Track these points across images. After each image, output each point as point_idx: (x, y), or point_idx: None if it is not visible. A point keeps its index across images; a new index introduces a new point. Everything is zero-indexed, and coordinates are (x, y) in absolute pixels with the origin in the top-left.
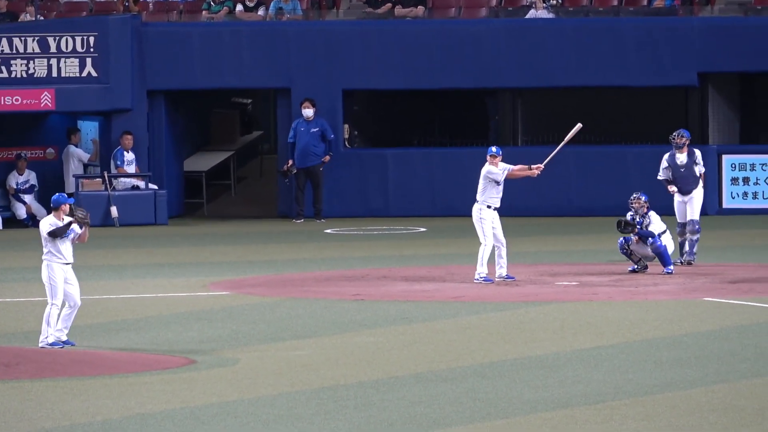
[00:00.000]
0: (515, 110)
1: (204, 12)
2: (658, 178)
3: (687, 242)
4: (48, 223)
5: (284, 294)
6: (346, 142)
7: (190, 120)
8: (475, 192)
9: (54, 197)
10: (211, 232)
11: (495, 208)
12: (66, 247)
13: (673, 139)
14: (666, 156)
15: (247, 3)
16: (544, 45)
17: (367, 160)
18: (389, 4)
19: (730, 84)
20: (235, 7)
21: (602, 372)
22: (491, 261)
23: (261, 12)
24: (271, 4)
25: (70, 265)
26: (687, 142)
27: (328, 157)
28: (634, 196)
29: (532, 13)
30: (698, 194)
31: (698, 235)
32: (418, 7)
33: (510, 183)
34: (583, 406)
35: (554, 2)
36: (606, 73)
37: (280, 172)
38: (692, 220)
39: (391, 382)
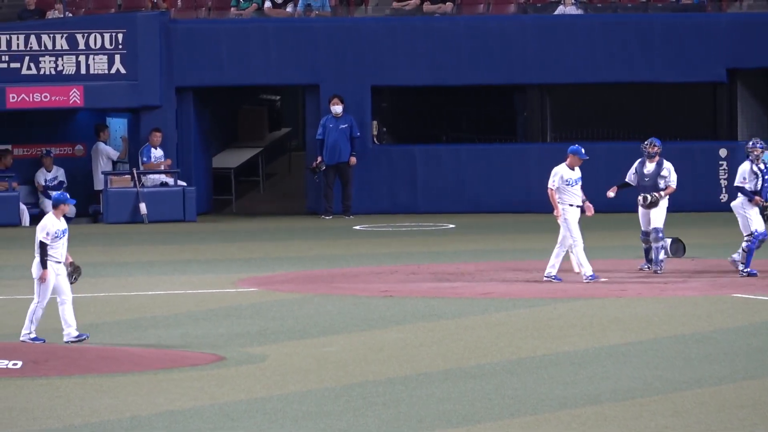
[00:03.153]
0: (543, 106)
1: (232, 9)
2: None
3: (652, 251)
4: (46, 231)
5: (313, 290)
6: (375, 139)
7: (219, 116)
8: (502, 188)
9: (55, 195)
10: (239, 228)
11: (578, 206)
12: (59, 248)
13: (645, 147)
14: (636, 163)
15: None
16: (572, 41)
17: (395, 156)
18: (417, 0)
19: (758, 80)
20: (263, 3)
21: (631, 368)
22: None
23: (289, 8)
24: (300, 0)
25: (61, 263)
26: (659, 151)
27: (354, 159)
28: (752, 143)
29: (560, 9)
30: (661, 207)
31: (661, 243)
32: (447, 3)
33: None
34: (612, 403)
35: None
36: (634, 69)
37: (309, 169)
38: (655, 228)
39: (419, 378)
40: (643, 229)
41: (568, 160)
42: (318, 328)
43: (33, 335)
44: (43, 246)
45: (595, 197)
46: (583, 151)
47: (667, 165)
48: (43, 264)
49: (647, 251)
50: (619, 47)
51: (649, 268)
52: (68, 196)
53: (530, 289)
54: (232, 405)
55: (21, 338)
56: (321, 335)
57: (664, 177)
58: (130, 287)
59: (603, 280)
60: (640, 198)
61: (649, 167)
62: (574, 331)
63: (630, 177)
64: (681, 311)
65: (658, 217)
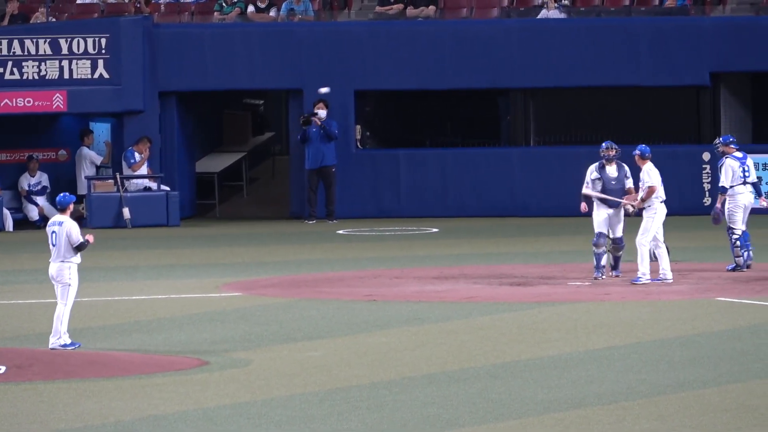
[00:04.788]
0: (527, 110)
1: (216, 13)
2: (584, 191)
3: (612, 258)
4: (77, 231)
5: (297, 295)
6: (359, 143)
7: (202, 121)
8: (486, 192)
9: (59, 198)
10: (223, 233)
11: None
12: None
13: (604, 151)
14: (594, 167)
15: (259, 4)
16: (555, 45)
17: (379, 160)
18: (401, 5)
19: (742, 83)
20: (246, 8)
21: (615, 372)
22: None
23: (272, 13)
24: (283, 5)
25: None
26: (618, 155)
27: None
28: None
29: (543, 13)
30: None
31: (623, 251)
32: (430, 6)
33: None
34: (596, 407)
35: (566, 2)
36: (618, 72)
37: (301, 119)
38: (618, 238)
39: (403, 382)
40: (597, 230)
41: None
42: (302, 333)
43: (62, 341)
44: (84, 245)
45: (579, 201)
46: (602, 147)
47: (626, 166)
48: (86, 243)
49: (600, 257)
50: (603, 51)
51: (602, 276)
52: (69, 194)
53: (514, 293)
54: (217, 409)
55: (51, 345)
56: (305, 339)
57: (629, 178)
58: (114, 292)
59: (587, 283)
60: (630, 209)
61: (611, 171)
62: (558, 335)
63: (589, 186)
64: (665, 315)
65: (620, 226)
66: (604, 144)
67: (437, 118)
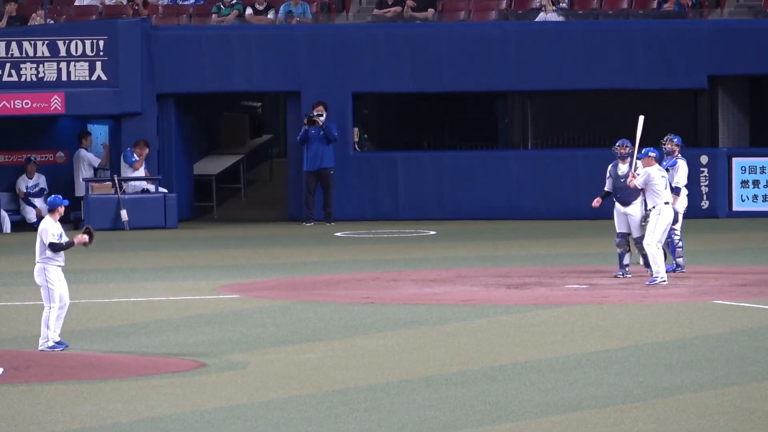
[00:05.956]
0: (525, 113)
1: (213, 15)
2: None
3: (642, 258)
4: (51, 232)
5: (294, 297)
6: (356, 146)
7: (200, 123)
8: (483, 195)
9: (50, 199)
10: (220, 235)
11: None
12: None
13: (616, 149)
14: (609, 166)
15: (257, 6)
16: (553, 48)
17: (376, 163)
18: (398, 7)
19: (739, 87)
20: (244, 10)
21: (612, 375)
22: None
23: (270, 15)
24: (281, 7)
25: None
26: (631, 152)
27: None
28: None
29: (541, 16)
30: (637, 209)
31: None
32: (428, 9)
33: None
34: (594, 409)
35: (564, 5)
36: (615, 76)
37: (306, 117)
38: (638, 238)
39: (401, 385)
40: (618, 230)
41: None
42: (299, 335)
43: (51, 343)
44: (55, 244)
45: (577, 204)
46: (616, 145)
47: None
48: (69, 244)
49: (622, 256)
50: (601, 54)
51: (623, 275)
52: (61, 197)
53: (512, 295)
54: (214, 412)
55: (39, 348)
56: (302, 342)
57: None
58: (111, 294)
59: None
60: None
61: (623, 168)
62: (555, 338)
63: (607, 183)
64: (662, 318)
65: (635, 226)
66: (617, 142)
67: (435, 120)
